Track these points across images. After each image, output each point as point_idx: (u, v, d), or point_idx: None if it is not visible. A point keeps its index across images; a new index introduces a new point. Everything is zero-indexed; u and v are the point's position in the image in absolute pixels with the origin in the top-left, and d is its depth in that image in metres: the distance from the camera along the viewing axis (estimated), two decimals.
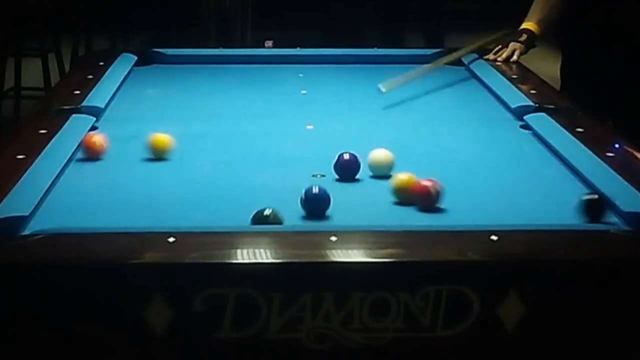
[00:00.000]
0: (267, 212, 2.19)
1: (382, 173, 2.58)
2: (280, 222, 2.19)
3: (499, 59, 3.92)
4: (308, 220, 2.27)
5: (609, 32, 3.85)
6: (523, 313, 1.98)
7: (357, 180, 2.58)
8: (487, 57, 3.96)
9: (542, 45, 3.99)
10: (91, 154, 2.77)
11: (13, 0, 6.42)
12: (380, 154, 2.62)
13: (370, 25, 8.27)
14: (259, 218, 2.19)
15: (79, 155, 2.77)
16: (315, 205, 2.29)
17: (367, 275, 2.00)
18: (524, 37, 3.92)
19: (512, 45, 3.93)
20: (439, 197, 2.36)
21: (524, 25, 3.95)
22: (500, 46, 3.96)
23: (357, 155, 2.60)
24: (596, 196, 2.28)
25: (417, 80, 3.67)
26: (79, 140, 2.83)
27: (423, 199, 2.36)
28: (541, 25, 3.93)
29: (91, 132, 2.91)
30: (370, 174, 2.60)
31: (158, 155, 2.78)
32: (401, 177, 2.43)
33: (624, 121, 3.68)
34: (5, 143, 2.82)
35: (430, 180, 2.38)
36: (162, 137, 2.80)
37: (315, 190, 2.31)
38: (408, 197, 2.39)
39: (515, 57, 3.92)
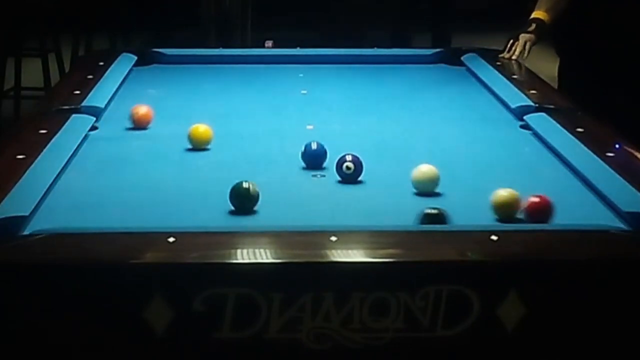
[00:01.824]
0: (245, 184, 2.34)
1: (427, 190, 2.47)
2: (256, 196, 2.32)
3: (513, 57, 3.88)
4: (308, 221, 2.27)
5: (607, 34, 3.84)
6: (523, 313, 1.98)
7: (360, 182, 2.58)
8: (501, 55, 3.92)
9: (542, 45, 3.98)
10: (138, 124, 3.06)
11: (13, 0, 6.42)
12: (425, 170, 2.49)
13: (379, 24, 8.28)
14: (238, 190, 2.33)
15: (129, 125, 3.05)
16: (314, 158, 2.69)
17: (367, 275, 2.00)
18: (534, 26, 3.88)
19: (522, 37, 3.87)
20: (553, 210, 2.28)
21: (533, 15, 3.91)
22: (511, 41, 3.93)
23: (359, 156, 2.59)
24: (436, 211, 2.25)
25: (417, 80, 3.67)
26: (79, 141, 2.83)
27: (539, 215, 2.27)
28: (550, 13, 3.87)
29: (137, 105, 3.12)
30: (415, 191, 2.48)
31: (199, 145, 2.86)
32: (504, 193, 2.30)
33: (623, 124, 3.68)
34: (5, 143, 2.82)
35: (538, 196, 2.29)
36: (203, 128, 2.87)
37: (314, 146, 2.69)
38: (512, 213, 2.29)
39: (527, 50, 3.87)
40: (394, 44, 7.34)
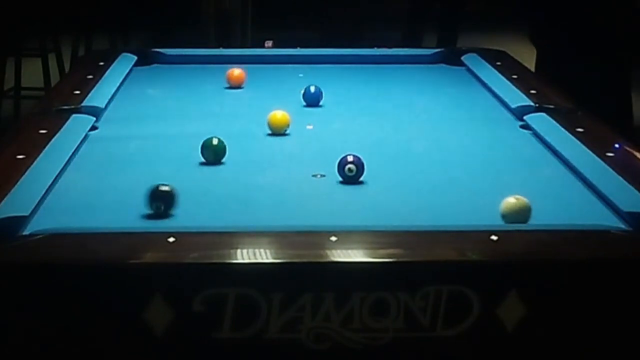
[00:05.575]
0: (214, 141, 2.70)
1: (518, 220, 2.26)
2: (223, 149, 2.68)
3: None
4: (308, 221, 2.27)
5: (584, 22, 3.85)
6: (523, 313, 1.98)
7: (361, 182, 2.57)
8: None
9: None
10: (234, 84, 3.60)
11: (13, 0, 6.42)
12: (513, 203, 2.28)
13: (391, 25, 8.28)
14: (209, 146, 2.68)
15: (225, 84, 3.60)
16: (313, 97, 3.32)
17: (367, 275, 2.00)
18: None
19: None
20: None
21: None
22: None
23: (361, 157, 2.59)
24: (168, 188, 2.28)
25: (417, 80, 3.67)
26: (79, 141, 2.83)
27: None
28: None
29: (232, 68, 3.65)
30: (503, 223, 2.26)
31: (279, 130, 3.02)
32: None
33: (600, 111, 3.67)
34: (5, 143, 2.82)
35: None
36: (282, 115, 3.03)
37: (312, 89, 3.31)
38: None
39: None
40: (402, 45, 7.33)
